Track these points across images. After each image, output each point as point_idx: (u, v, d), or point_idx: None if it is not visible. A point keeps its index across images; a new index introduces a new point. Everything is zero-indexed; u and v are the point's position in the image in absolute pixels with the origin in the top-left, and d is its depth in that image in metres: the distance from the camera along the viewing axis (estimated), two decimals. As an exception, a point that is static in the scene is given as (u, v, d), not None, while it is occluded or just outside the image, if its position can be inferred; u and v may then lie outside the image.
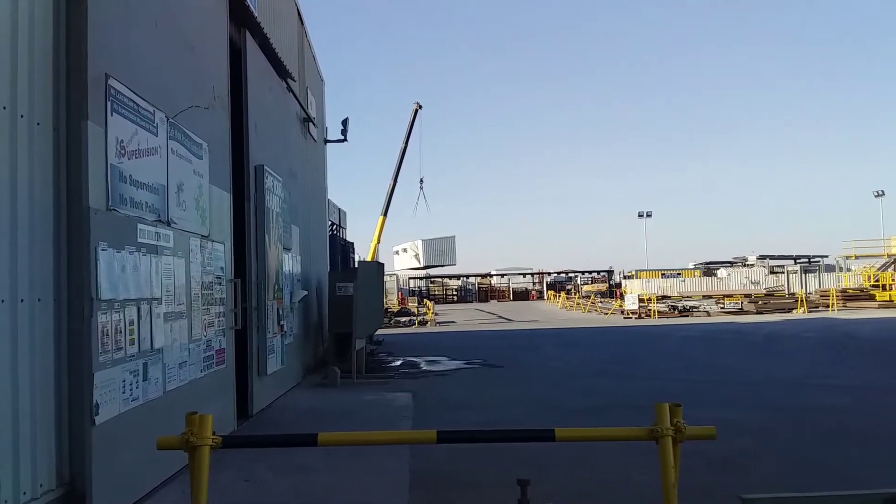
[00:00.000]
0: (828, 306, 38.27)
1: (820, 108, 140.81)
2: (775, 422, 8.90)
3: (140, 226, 5.86)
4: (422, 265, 44.39)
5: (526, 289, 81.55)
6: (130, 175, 5.72)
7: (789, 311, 36.83)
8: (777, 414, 9.42)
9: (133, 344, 5.65)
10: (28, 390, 4.61)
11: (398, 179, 35.46)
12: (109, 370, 5.22)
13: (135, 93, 5.84)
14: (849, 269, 50.11)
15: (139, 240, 5.83)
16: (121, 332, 5.42)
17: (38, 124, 4.79)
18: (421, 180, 39.03)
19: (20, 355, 4.53)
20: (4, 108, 4.46)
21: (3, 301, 4.38)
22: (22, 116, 4.63)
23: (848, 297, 40.53)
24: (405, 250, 45.02)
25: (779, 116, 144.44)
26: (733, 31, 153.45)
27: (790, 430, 8.46)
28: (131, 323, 5.62)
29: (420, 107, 36.04)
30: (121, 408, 5.40)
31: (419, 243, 42.76)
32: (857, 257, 49.69)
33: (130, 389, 5.59)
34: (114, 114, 5.45)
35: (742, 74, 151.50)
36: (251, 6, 9.85)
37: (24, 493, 4.52)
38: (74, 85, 5.10)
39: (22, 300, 4.57)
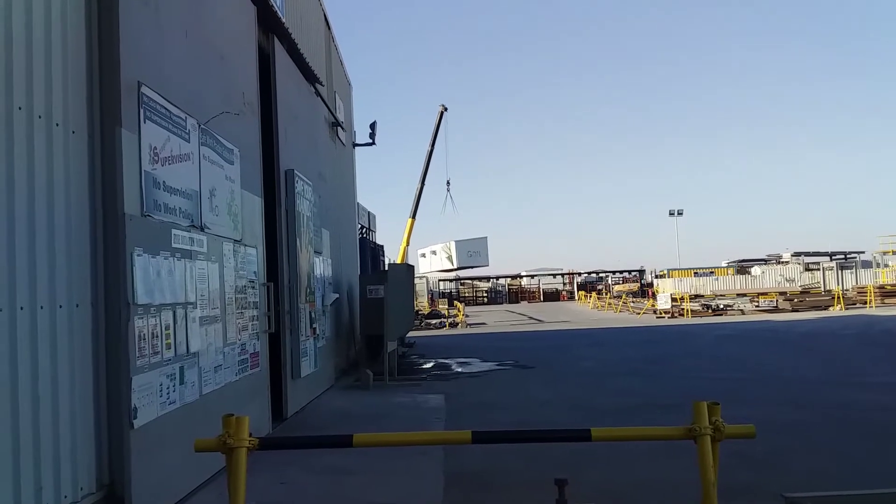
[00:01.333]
0: (865, 303, 37.52)
1: (856, 101, 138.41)
2: (815, 420, 8.75)
3: (174, 231, 5.93)
4: (455, 266, 44.18)
5: (556, 289, 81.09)
6: (164, 181, 5.79)
7: (826, 308, 36.20)
8: (816, 412, 9.25)
9: (169, 348, 5.71)
10: (67, 394, 4.68)
11: (426, 182, 35.55)
12: (147, 374, 5.28)
13: (167, 100, 5.91)
14: (886, 265, 49.09)
15: (173, 245, 5.89)
16: (157, 336, 5.48)
17: (73, 132, 4.87)
18: (448, 182, 39.23)
19: (59, 360, 4.60)
20: (40, 116, 4.54)
21: (42, 307, 4.45)
22: (57, 125, 4.71)
23: (886, 293, 39.66)
24: (434, 252, 44.95)
25: (814, 111, 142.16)
26: (766, 27, 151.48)
27: (830, 428, 8.30)
28: (167, 327, 5.68)
29: (445, 109, 36.09)
30: (158, 411, 5.46)
31: (452, 244, 42.53)
32: (894, 252, 48.69)
33: (167, 393, 5.65)
34: (147, 121, 5.52)
35: (774, 69, 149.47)
36: (279, 13, 9.93)
37: (66, 497, 4.59)
38: (107, 93, 5.18)
39: (60, 306, 4.64)
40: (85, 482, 4.82)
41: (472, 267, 47.85)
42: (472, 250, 43.16)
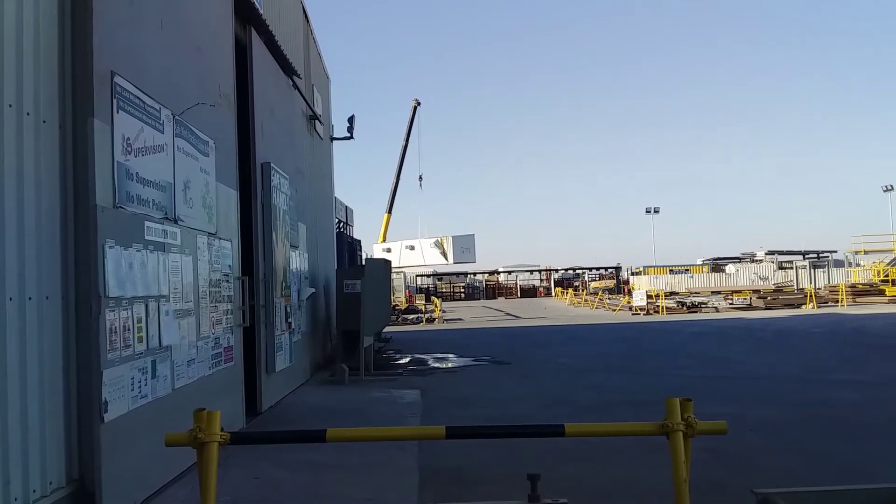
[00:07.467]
0: (837, 302, 38.07)
1: (829, 102, 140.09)
2: (786, 417, 8.85)
3: (147, 223, 5.86)
4: (451, 261, 43.85)
5: (533, 286, 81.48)
6: (137, 172, 5.71)
7: (798, 306, 36.67)
8: (788, 409, 9.37)
9: (141, 341, 5.64)
10: (37, 388, 4.60)
11: (401, 176, 35.62)
12: (118, 368, 5.21)
13: (141, 90, 5.83)
14: (858, 265, 49.85)
15: (146, 237, 5.82)
16: (129, 329, 5.41)
17: (44, 122, 4.79)
18: (420, 177, 39.61)
19: (29, 353, 4.53)
20: (10, 105, 4.45)
21: (11, 299, 4.37)
22: (28, 114, 4.62)
23: (857, 292, 40.26)
24: (411, 248, 44.64)
25: (788, 111, 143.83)
26: (741, 26, 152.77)
27: (802, 425, 8.41)
28: (139, 320, 5.61)
29: (419, 103, 36.19)
30: (130, 405, 5.40)
31: (449, 239, 42.13)
32: (866, 252, 49.49)
33: (139, 387, 5.58)
34: (120, 111, 5.44)
35: (750, 69, 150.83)
36: (257, 4, 9.83)
37: (34, 491, 4.52)
38: (80, 82, 5.09)
39: (30, 298, 4.56)
40: (54, 476, 4.75)
41: (464, 262, 47.68)
42: (464, 246, 42.99)
